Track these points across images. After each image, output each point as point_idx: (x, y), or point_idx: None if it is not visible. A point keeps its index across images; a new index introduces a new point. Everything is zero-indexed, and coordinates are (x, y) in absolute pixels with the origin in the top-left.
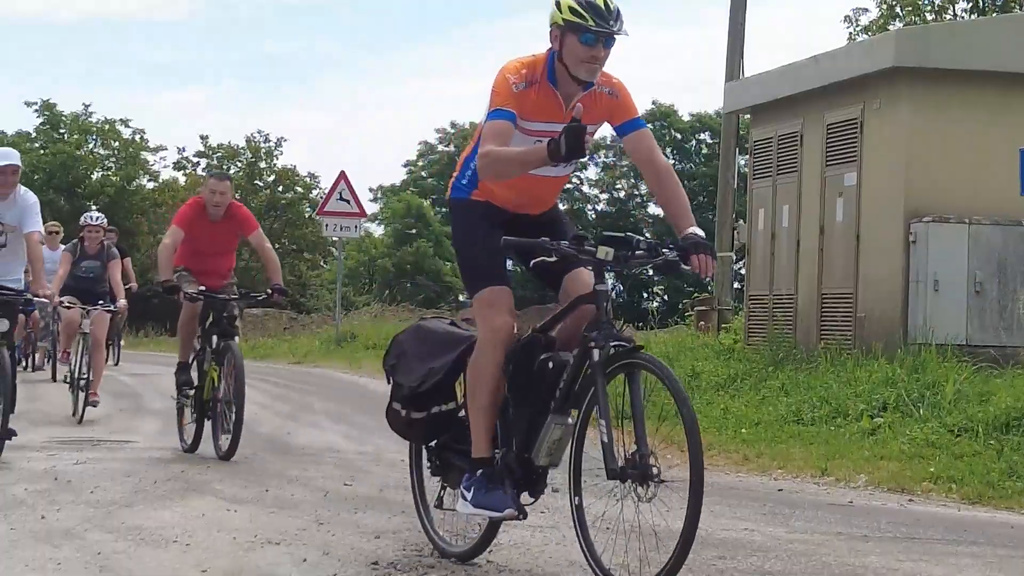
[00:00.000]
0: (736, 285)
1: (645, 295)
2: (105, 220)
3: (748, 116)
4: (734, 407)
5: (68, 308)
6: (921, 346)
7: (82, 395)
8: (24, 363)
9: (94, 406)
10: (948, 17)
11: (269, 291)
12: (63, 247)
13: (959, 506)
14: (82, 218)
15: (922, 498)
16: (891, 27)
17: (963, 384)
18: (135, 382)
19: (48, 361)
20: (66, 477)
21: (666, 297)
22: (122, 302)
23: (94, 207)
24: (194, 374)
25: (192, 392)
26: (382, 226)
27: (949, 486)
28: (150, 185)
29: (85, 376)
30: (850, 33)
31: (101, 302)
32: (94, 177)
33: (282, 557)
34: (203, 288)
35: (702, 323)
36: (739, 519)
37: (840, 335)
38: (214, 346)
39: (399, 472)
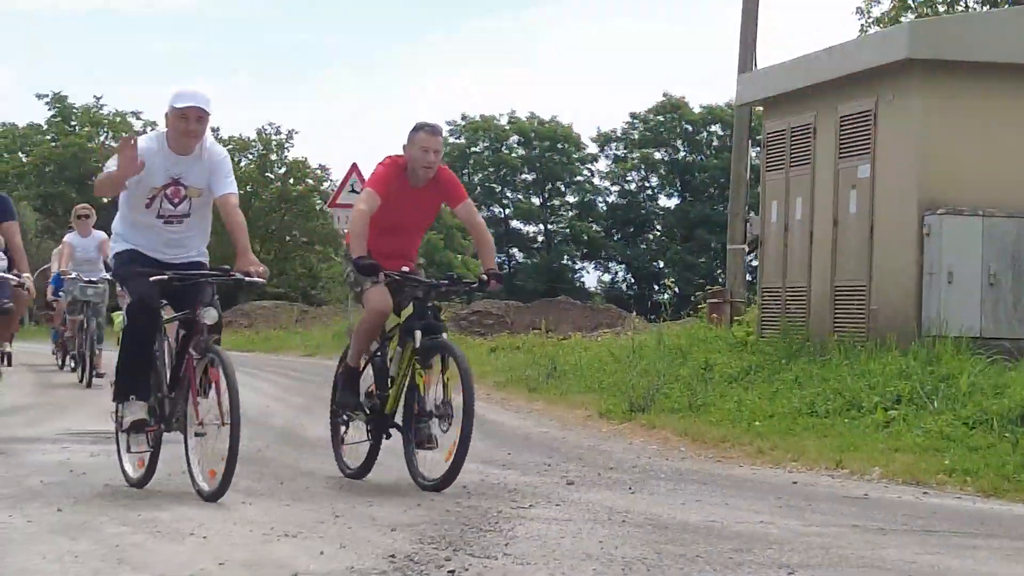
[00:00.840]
0: (748, 277)
1: (656, 287)
2: None
3: (761, 108)
4: (748, 399)
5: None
6: (935, 338)
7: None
8: (75, 366)
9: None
10: (960, 9)
11: (484, 276)
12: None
13: (975, 499)
14: None
15: (937, 491)
16: (903, 19)
17: (977, 376)
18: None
19: (70, 359)
20: (81, 469)
21: (677, 289)
22: None
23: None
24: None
25: (372, 405)
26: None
27: (964, 479)
28: None
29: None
30: (862, 25)
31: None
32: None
33: (299, 550)
34: (406, 270)
35: (714, 315)
36: (754, 512)
37: (854, 327)
38: (418, 344)
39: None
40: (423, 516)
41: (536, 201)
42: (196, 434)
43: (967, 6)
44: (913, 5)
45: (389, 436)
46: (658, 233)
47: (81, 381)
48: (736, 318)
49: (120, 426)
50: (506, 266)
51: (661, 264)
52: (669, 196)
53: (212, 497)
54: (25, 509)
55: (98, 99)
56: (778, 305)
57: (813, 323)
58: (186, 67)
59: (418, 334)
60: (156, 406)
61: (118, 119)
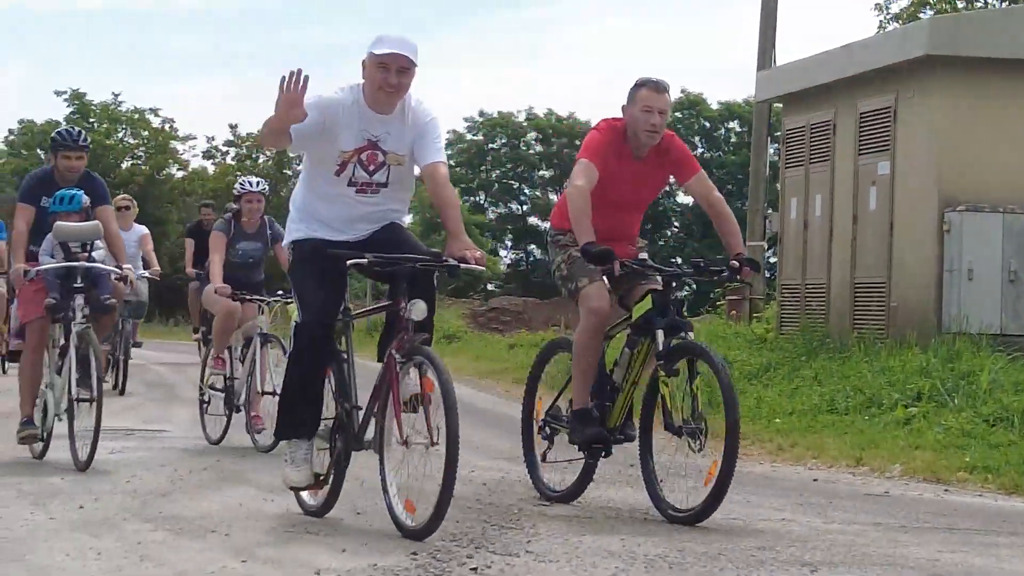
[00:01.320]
0: (767, 274)
1: (674, 284)
2: (267, 188)
3: (780, 105)
4: (767, 396)
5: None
6: (955, 335)
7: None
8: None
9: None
10: (979, 5)
11: (735, 263)
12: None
13: (996, 496)
14: (237, 185)
15: (958, 488)
16: (921, 15)
17: (998, 373)
18: (167, 371)
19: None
20: (102, 466)
21: (695, 286)
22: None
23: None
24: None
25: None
26: (411, 215)
27: (985, 476)
28: (179, 174)
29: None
30: (880, 21)
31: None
32: (124, 166)
33: (321, 547)
34: (644, 257)
35: (734, 312)
36: (776, 509)
37: (873, 324)
38: (661, 347)
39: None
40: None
41: (554, 198)
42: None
43: (986, 3)
44: (932, 1)
45: (610, 453)
46: (676, 230)
47: (115, 388)
48: (755, 315)
49: (286, 482)
50: (524, 263)
51: (679, 261)
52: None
53: (417, 535)
54: (47, 506)
55: (116, 96)
56: (797, 302)
57: (833, 320)
58: (204, 64)
59: (660, 334)
60: (343, 416)
61: (136, 116)
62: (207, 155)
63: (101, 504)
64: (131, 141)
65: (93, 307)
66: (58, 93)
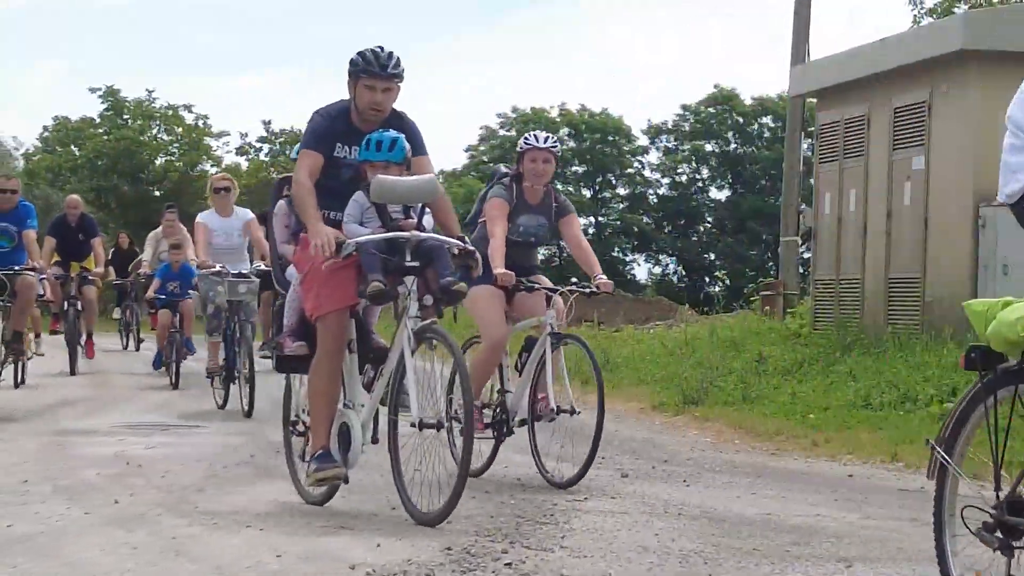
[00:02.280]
0: (801, 270)
1: (707, 280)
2: (559, 147)
3: (814, 100)
4: (802, 392)
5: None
6: None
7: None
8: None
9: None
10: (1014, 0)
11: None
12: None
13: None
14: (522, 140)
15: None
16: (956, 10)
17: None
18: (200, 366)
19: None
20: (137, 462)
21: (728, 281)
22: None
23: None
24: None
25: None
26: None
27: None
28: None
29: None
30: (914, 15)
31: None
32: (158, 163)
33: (355, 542)
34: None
35: (767, 308)
36: (811, 505)
37: (908, 320)
38: None
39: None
40: (479, 509)
41: (587, 193)
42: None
43: None
44: None
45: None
46: (709, 225)
47: (249, 414)
48: (789, 310)
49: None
50: (557, 258)
51: (712, 256)
52: (720, 188)
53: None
54: (82, 501)
55: (150, 92)
56: (832, 297)
57: (867, 315)
58: (238, 60)
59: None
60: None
61: (170, 112)
62: (240, 151)
63: (136, 499)
64: (165, 138)
65: (436, 293)
66: (92, 90)
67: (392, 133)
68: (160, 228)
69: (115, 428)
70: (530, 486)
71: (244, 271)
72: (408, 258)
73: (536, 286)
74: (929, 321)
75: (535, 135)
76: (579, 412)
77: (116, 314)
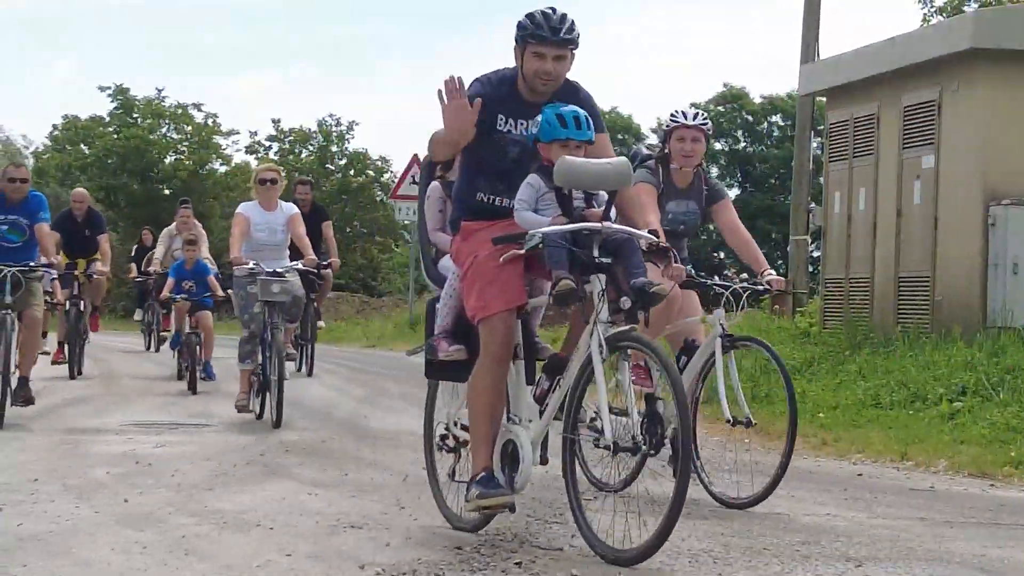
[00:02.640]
0: (811, 268)
1: (717, 278)
2: (710, 123)
3: (823, 99)
4: (811, 391)
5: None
6: (1000, 329)
7: None
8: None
9: None
10: None
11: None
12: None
13: None
14: (669, 117)
15: (1004, 483)
16: (966, 8)
17: None
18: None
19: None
20: (146, 460)
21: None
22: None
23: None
24: None
25: None
26: None
27: None
28: (223, 169)
29: None
30: (924, 14)
31: None
32: (167, 161)
33: (365, 541)
34: None
35: (777, 306)
36: (820, 504)
37: (918, 319)
38: None
39: None
40: None
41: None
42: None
43: None
44: None
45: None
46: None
47: (278, 424)
48: (799, 309)
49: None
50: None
51: (722, 255)
52: (729, 187)
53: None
54: (91, 500)
55: (160, 91)
56: (841, 296)
57: (877, 314)
58: (247, 59)
59: None
60: None
61: (179, 111)
62: (250, 150)
63: (145, 498)
64: (174, 136)
65: (631, 295)
66: (102, 88)
67: (575, 109)
68: (174, 224)
69: (124, 427)
70: (540, 485)
71: (280, 270)
72: (597, 253)
73: (708, 281)
74: (939, 320)
75: (683, 112)
76: (755, 424)
77: (138, 315)
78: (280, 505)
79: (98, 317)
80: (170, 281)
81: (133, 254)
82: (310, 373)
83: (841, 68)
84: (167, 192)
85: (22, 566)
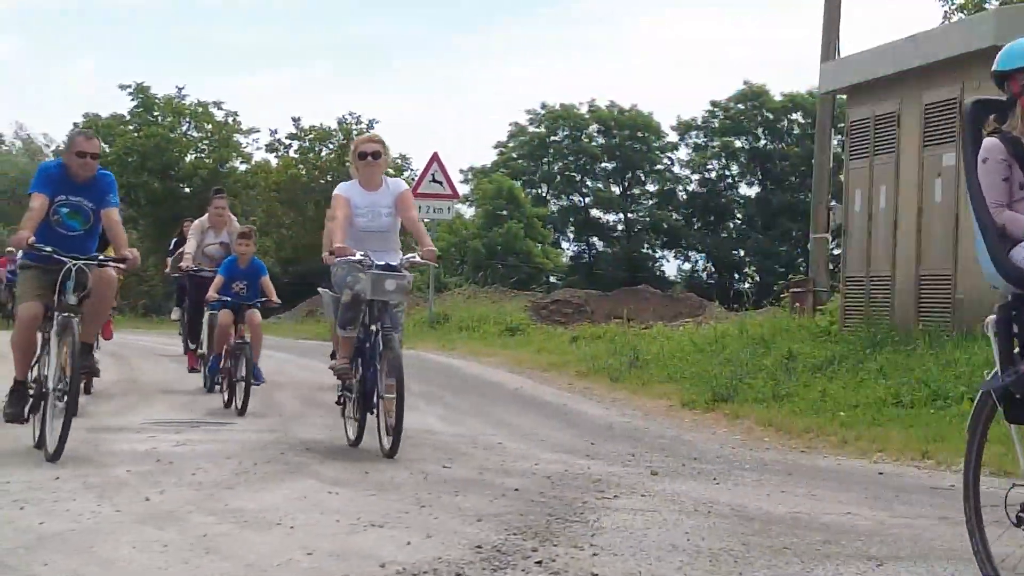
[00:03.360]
0: (831, 266)
1: (737, 276)
2: None
3: (844, 96)
4: (832, 389)
5: None
6: None
7: None
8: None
9: None
10: None
11: None
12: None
13: None
14: None
15: None
16: (987, 6)
17: None
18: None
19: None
20: (167, 459)
21: (757, 278)
22: None
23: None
24: None
25: None
26: (473, 207)
27: None
28: (243, 167)
29: None
30: (945, 11)
31: None
32: (187, 159)
33: (385, 540)
34: None
35: (797, 304)
36: (841, 503)
37: (939, 317)
38: None
39: (496, 455)
40: (509, 506)
41: (616, 190)
42: None
43: None
44: None
45: None
46: (738, 222)
47: (392, 454)
48: (819, 307)
49: None
50: (586, 255)
51: (741, 253)
52: (750, 184)
53: None
54: (113, 499)
55: (180, 89)
56: (862, 294)
57: (897, 312)
58: (267, 57)
59: None
60: None
61: (200, 109)
62: (270, 148)
63: (166, 497)
64: (195, 134)
65: None
66: (122, 87)
67: None
68: (206, 216)
69: (145, 425)
70: (560, 484)
71: (394, 263)
72: None
73: None
74: (960, 318)
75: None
76: None
77: (175, 314)
78: (301, 504)
79: (111, 322)
80: (219, 279)
81: (172, 247)
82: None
83: (862, 66)
84: (187, 190)
85: (44, 564)
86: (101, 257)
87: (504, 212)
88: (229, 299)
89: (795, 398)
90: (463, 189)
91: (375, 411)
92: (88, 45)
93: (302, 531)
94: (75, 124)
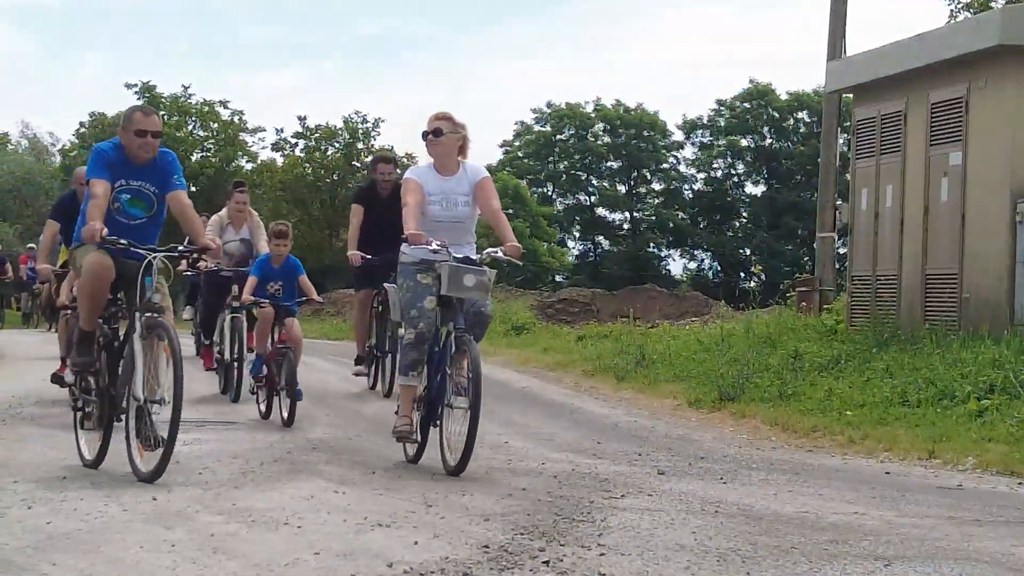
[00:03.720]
0: (837, 265)
1: (743, 275)
2: None
3: (850, 95)
4: (838, 389)
5: None
6: None
7: None
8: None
9: None
10: None
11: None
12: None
13: None
14: None
15: None
16: (994, 5)
17: None
18: None
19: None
20: (175, 458)
21: (763, 277)
22: None
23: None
24: None
25: None
26: None
27: None
28: (249, 166)
29: None
30: (951, 10)
31: None
32: (193, 158)
33: (393, 539)
34: None
35: (803, 304)
36: (848, 503)
37: (945, 316)
38: None
39: (503, 454)
40: (516, 506)
41: (622, 189)
42: None
43: None
44: None
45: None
46: (744, 220)
47: (458, 471)
48: (825, 306)
49: None
50: (592, 253)
51: (747, 252)
52: (755, 183)
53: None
54: (120, 498)
55: (186, 88)
56: (868, 293)
57: (904, 311)
58: (273, 57)
59: None
60: None
61: (206, 108)
62: (276, 147)
63: (174, 496)
64: (201, 133)
65: None
66: (128, 86)
67: None
68: (225, 211)
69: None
70: (567, 483)
71: (472, 256)
72: None
73: None
74: (966, 317)
75: None
76: None
77: (187, 314)
78: (308, 503)
79: None
80: (252, 280)
81: (188, 242)
82: (388, 394)
83: (868, 65)
84: (193, 189)
85: (52, 564)
86: (181, 248)
87: (510, 211)
88: (266, 301)
89: (801, 397)
90: None
91: (438, 423)
92: (94, 44)
93: (310, 530)
94: (81, 123)
